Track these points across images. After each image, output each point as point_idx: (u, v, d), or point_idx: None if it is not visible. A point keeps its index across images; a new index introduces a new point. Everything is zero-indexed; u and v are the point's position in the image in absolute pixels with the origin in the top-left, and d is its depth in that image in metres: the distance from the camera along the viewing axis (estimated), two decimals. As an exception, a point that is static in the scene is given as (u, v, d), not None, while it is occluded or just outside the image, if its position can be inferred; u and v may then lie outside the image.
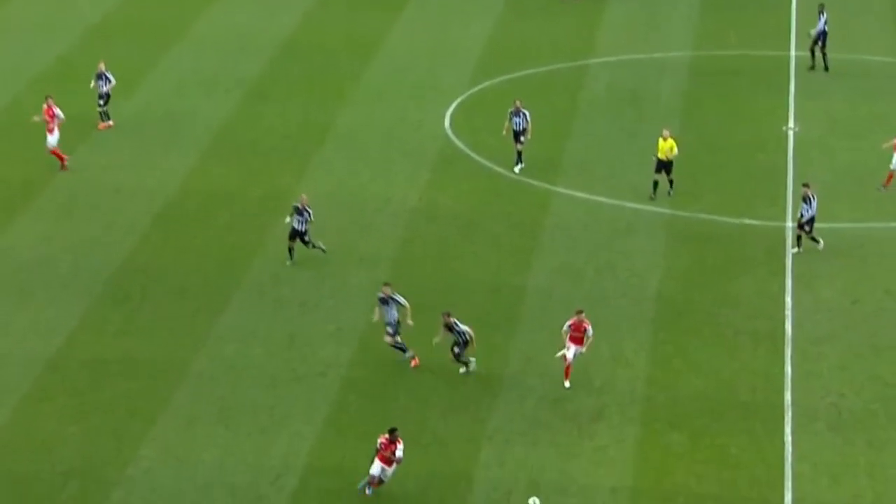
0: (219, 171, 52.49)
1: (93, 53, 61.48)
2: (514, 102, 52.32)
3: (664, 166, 50.52)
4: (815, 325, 43.46)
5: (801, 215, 46.52)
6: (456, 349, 40.74)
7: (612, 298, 44.87)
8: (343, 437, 38.24)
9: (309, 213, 45.45)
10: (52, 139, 51.43)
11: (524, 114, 51.91)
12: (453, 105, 58.58)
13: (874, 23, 67.85)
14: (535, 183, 52.15)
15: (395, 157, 53.75)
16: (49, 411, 38.80)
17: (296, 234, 45.62)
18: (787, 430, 38.63)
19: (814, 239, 46.63)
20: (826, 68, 61.39)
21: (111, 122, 55.23)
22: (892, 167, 49.98)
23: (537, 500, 35.12)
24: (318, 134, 55.74)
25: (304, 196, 46.15)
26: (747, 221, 49.35)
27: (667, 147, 50.31)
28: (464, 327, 40.65)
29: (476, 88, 60.25)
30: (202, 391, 39.96)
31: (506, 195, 51.30)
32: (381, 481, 35.91)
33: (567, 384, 40.00)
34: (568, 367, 40.14)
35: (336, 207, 49.94)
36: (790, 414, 39.30)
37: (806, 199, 46.37)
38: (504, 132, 52.43)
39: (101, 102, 54.94)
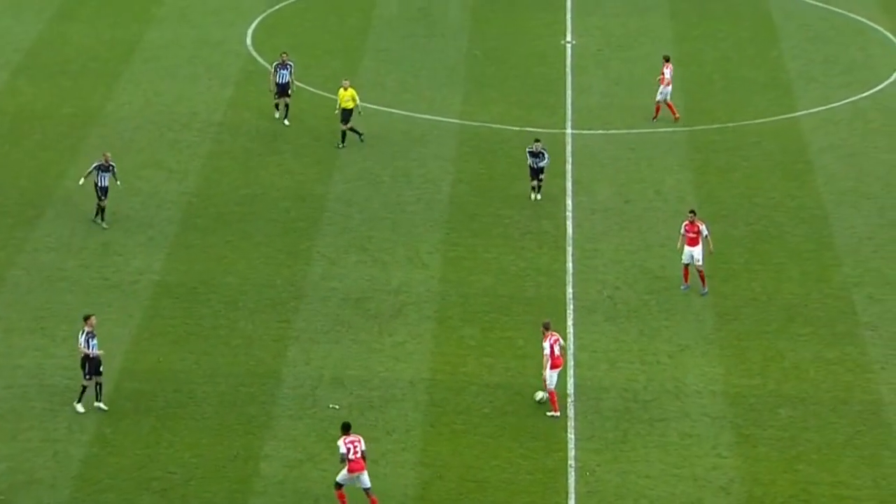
0: (29, 91, 51.04)
1: None
2: (280, 55, 49.28)
3: (347, 116, 47.29)
4: (592, 225, 44.01)
5: (531, 167, 44.26)
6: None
7: (407, 204, 44.87)
8: (156, 342, 37.75)
9: (113, 169, 42.20)
10: None
11: (290, 66, 48.94)
12: (254, 24, 57.68)
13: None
14: (333, 97, 51.71)
15: (200, 74, 52.81)
16: None
17: (104, 192, 42.08)
18: (569, 322, 39.16)
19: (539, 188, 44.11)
20: None
21: None
22: (657, 99, 50.18)
23: (543, 395, 34.98)
24: (125, 53, 54.46)
25: (107, 154, 42.68)
26: (530, 129, 49.64)
27: (347, 96, 47.28)
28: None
29: (275, 8, 59.39)
30: (19, 300, 39.04)
31: (307, 109, 50.78)
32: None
33: (556, 414, 35.18)
34: (552, 395, 35.31)
35: (145, 123, 48.97)
36: (572, 307, 39.84)
37: (535, 154, 44.23)
38: (270, 88, 49.33)
39: None
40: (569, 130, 49.75)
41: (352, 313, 39.22)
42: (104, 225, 41.31)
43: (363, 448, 31.86)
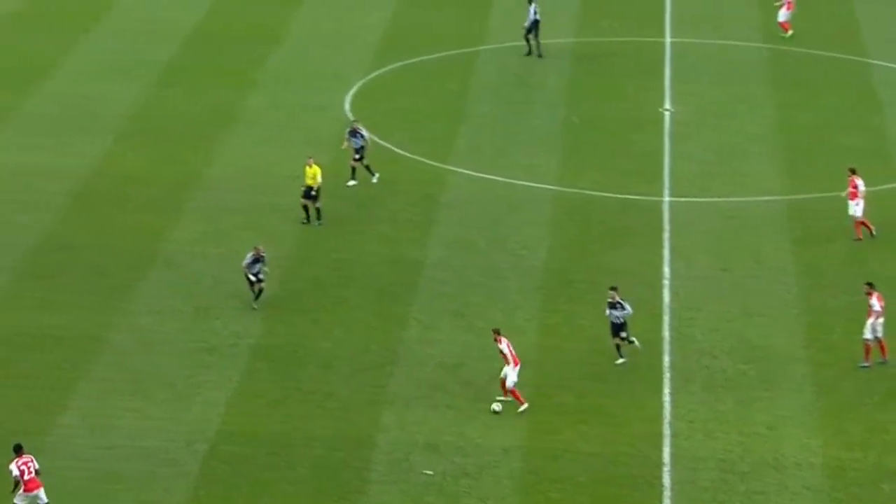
0: (133, 155, 51.94)
1: (7, 42, 60.55)
2: (352, 123, 50.13)
3: (310, 193, 46.55)
4: (689, 293, 43.85)
5: (612, 323, 39.80)
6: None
7: (503, 270, 45.00)
8: (253, 404, 38.07)
9: (264, 260, 41.69)
10: None
11: (361, 134, 49.48)
12: (353, 90, 58.36)
13: (741, 9, 68.46)
14: (430, 162, 52.14)
15: (299, 139, 53.48)
16: (-28, 385, 38.28)
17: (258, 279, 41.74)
18: (665, 390, 38.98)
19: (630, 341, 40.01)
20: (540, 55, 60.91)
21: None
22: (850, 214, 46.37)
23: (499, 406, 35.94)
24: (224, 117, 55.32)
25: (259, 246, 42.23)
26: (627, 196, 49.65)
27: (311, 174, 46.69)
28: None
29: (374, 74, 60.07)
30: (118, 362, 39.58)
31: (404, 174, 51.23)
32: None
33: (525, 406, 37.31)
34: (513, 391, 37.45)
35: (243, 187, 49.65)
36: (668, 376, 39.66)
37: (614, 305, 39.74)
38: (344, 146, 49.87)
39: None
40: (666, 198, 49.71)
41: (446, 379, 39.32)
42: (255, 305, 41.58)
43: (36, 467, 32.57)
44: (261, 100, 57.12)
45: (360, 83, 59.04)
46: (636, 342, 39.84)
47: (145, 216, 47.57)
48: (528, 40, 61.42)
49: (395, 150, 52.97)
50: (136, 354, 40.00)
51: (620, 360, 39.69)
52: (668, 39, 64.33)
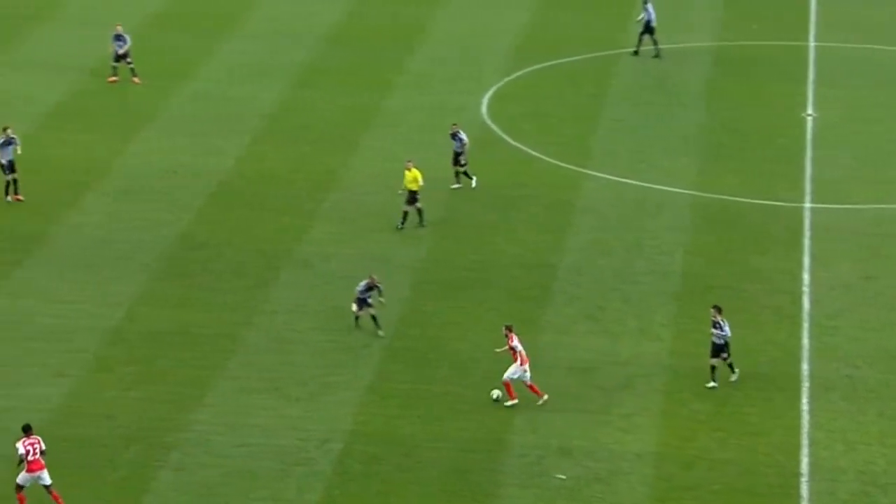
0: (271, 155, 52.53)
1: (151, 42, 61.60)
2: (452, 125, 49.74)
3: (413, 197, 46.38)
4: (831, 301, 43.19)
5: (713, 342, 38.81)
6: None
7: (639, 275, 44.72)
8: (386, 405, 38.27)
9: (379, 290, 41.24)
10: None
11: (460, 137, 49.32)
12: (490, 92, 58.43)
13: (887, 13, 67.30)
14: (567, 166, 52.02)
15: (437, 141, 53.64)
16: (111, 379, 38.95)
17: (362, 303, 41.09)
18: (804, 399, 38.44)
19: (731, 367, 39.00)
20: (657, 55, 60.40)
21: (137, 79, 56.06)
22: None
23: (499, 393, 36.51)
24: (363, 119, 55.71)
25: (374, 276, 41.50)
26: (768, 202, 49.06)
27: (411, 177, 46.52)
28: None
29: (512, 76, 60.08)
30: (254, 361, 40.04)
31: (540, 177, 51.18)
32: None
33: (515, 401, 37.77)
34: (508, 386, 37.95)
35: (380, 189, 49.93)
36: (807, 384, 39.10)
37: (716, 325, 38.84)
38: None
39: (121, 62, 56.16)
40: (808, 204, 49.03)
41: (579, 383, 39.17)
42: (381, 332, 41.51)
43: (42, 448, 33.33)
44: (399, 101, 57.44)
45: (497, 85, 59.08)
46: (736, 374, 38.91)
47: (282, 216, 48.07)
48: (641, 41, 61.01)
49: (532, 152, 52.94)
50: (271, 353, 40.43)
51: (711, 384, 38.74)
52: (812, 43, 63.44)
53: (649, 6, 60.92)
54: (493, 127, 55.36)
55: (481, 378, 39.40)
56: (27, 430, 33.75)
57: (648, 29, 60.91)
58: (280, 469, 35.66)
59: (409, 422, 37.55)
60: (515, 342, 38.15)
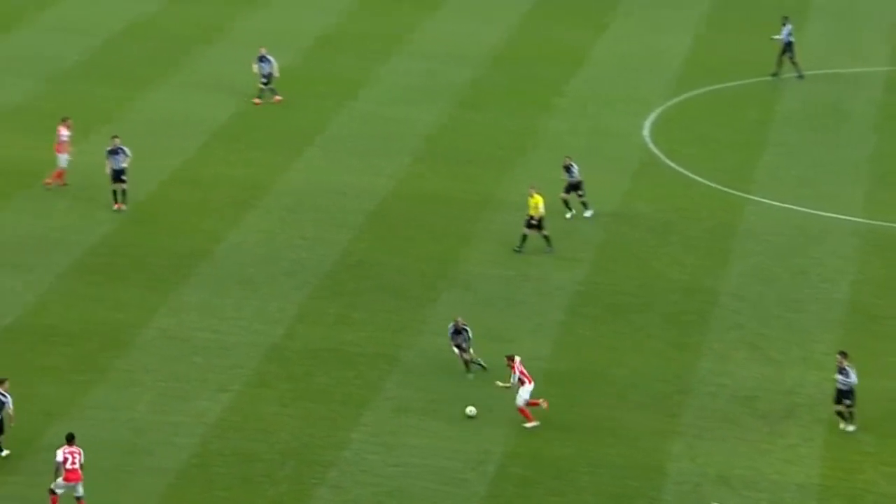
0: (431, 175, 52.86)
1: (317, 64, 62.45)
2: (565, 158, 49.26)
3: (532, 222, 46.12)
4: None
5: (838, 388, 37.58)
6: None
7: (804, 302, 44.08)
8: (542, 428, 38.18)
9: (467, 332, 40.47)
10: (63, 159, 49.90)
11: (573, 170, 48.76)
12: (653, 115, 58.14)
13: None
14: (730, 191, 51.54)
15: (597, 164, 53.51)
16: (270, 395, 39.46)
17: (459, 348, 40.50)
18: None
19: (851, 416, 37.66)
20: (800, 76, 59.47)
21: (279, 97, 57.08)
22: None
23: (473, 409, 36.63)
24: (523, 141, 55.79)
25: (459, 318, 40.89)
26: (938, 230, 48.09)
27: (533, 203, 46.12)
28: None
29: (675, 100, 59.72)
30: (411, 381, 40.25)
31: (701, 202, 50.78)
32: None
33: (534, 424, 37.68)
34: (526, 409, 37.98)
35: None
36: (976, 418, 38.16)
37: (842, 371, 37.71)
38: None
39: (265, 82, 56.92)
40: (980, 233, 47.89)
41: (740, 411, 38.70)
42: (470, 376, 40.54)
43: (82, 461, 33.90)
44: (560, 124, 57.43)
45: (660, 109, 58.77)
46: (853, 425, 37.75)
47: (442, 237, 48.31)
48: (781, 62, 60.16)
49: (693, 177, 52.55)
50: (428, 374, 40.61)
51: (850, 428, 37.75)
52: None
53: (788, 26, 60.06)
54: (655, 150, 55.07)
55: (638, 404, 39.14)
56: (70, 440, 34.56)
57: (787, 49, 60.09)
58: (435, 490, 35.78)
59: (565, 445, 37.43)
60: (519, 369, 37.83)
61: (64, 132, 50.19)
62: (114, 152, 49.11)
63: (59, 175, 50.27)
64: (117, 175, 49.03)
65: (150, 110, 57.44)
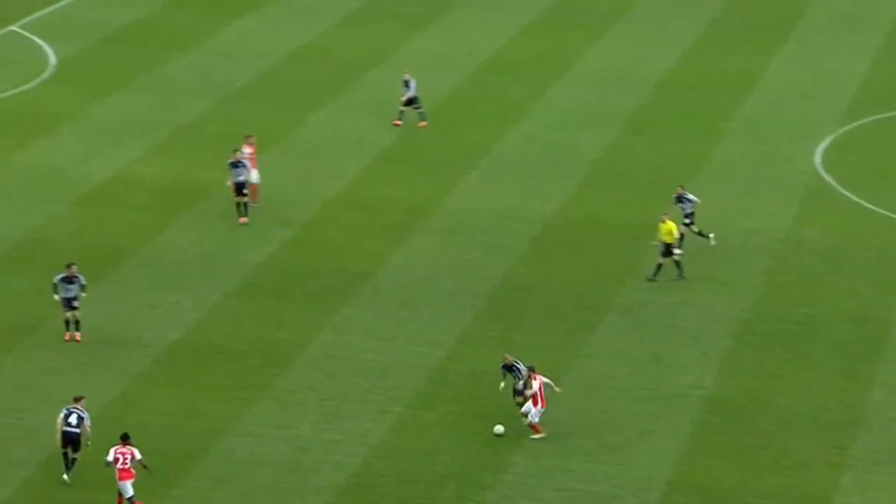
0: (595, 200, 52.75)
1: (483, 87, 62.79)
2: (677, 188, 48.44)
3: (668, 250, 45.71)
4: None
5: None
6: None
7: (979, 334, 43.07)
8: (704, 457, 37.83)
9: (518, 370, 39.46)
10: (254, 175, 50.73)
11: (688, 199, 47.93)
12: (825, 141, 57.32)
13: None
14: (905, 219, 50.65)
15: (766, 189, 52.91)
16: (431, 417, 39.66)
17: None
18: None
19: None
20: None
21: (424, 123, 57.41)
22: None
23: (501, 428, 36.45)
24: (690, 167, 55.40)
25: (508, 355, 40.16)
26: None
27: (665, 230, 45.81)
28: None
29: (848, 126, 58.81)
30: (571, 405, 40.13)
31: (874, 230, 49.92)
32: None
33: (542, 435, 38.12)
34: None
35: (704, 238, 49.52)
36: None
37: None
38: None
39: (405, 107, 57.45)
40: None
41: (913, 444, 37.95)
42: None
43: (137, 459, 34.69)
44: (728, 149, 56.93)
45: (833, 135, 57.92)
46: None
47: (604, 261, 48.17)
48: None
49: (866, 204, 51.69)
50: (587, 398, 40.50)
51: None
52: None
53: None
54: (826, 177, 54.28)
55: (804, 433, 38.58)
56: (124, 439, 35.27)
57: None
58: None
59: (729, 475, 37.02)
60: (537, 384, 38.01)
61: (246, 150, 51.22)
62: (235, 165, 50.00)
63: (253, 191, 50.98)
64: (239, 188, 49.88)
65: (316, 131, 58.29)
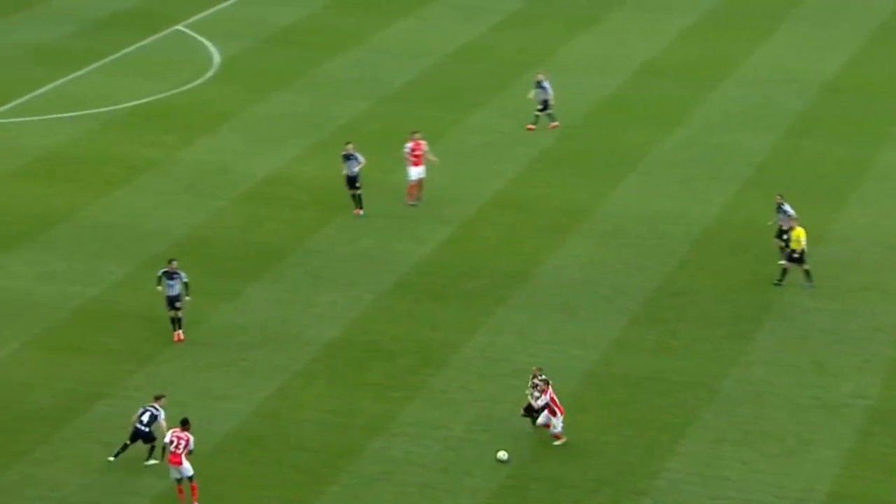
0: (757, 204, 52.11)
1: (643, 89, 62.44)
2: (776, 196, 47.44)
3: (793, 256, 45.20)
4: None
5: None
6: None
7: None
8: (868, 468, 37.20)
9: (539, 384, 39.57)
10: (415, 171, 51.01)
11: (786, 211, 46.69)
12: None
13: None
14: None
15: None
16: (586, 421, 39.54)
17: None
18: None
19: None
20: None
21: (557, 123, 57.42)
22: None
23: (505, 454, 36.14)
24: (856, 171, 54.50)
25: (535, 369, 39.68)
26: None
27: (795, 236, 45.21)
28: None
29: None
30: (729, 412, 39.77)
31: None
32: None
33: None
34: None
35: (869, 245, 48.66)
36: None
37: None
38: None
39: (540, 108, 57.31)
40: None
41: None
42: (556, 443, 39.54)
43: (190, 447, 35.18)
44: (894, 155, 55.86)
45: None
46: None
47: (764, 266, 47.54)
48: None
49: None
50: (747, 405, 40.06)
51: None
52: None
53: None
54: None
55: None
56: (184, 424, 35.73)
57: None
58: (751, 525, 35.25)
59: (892, 488, 36.33)
60: (550, 395, 38.02)
61: (408, 145, 51.71)
62: (347, 158, 50.47)
63: (411, 189, 51.48)
64: (351, 181, 50.31)
65: (475, 132, 58.45)
